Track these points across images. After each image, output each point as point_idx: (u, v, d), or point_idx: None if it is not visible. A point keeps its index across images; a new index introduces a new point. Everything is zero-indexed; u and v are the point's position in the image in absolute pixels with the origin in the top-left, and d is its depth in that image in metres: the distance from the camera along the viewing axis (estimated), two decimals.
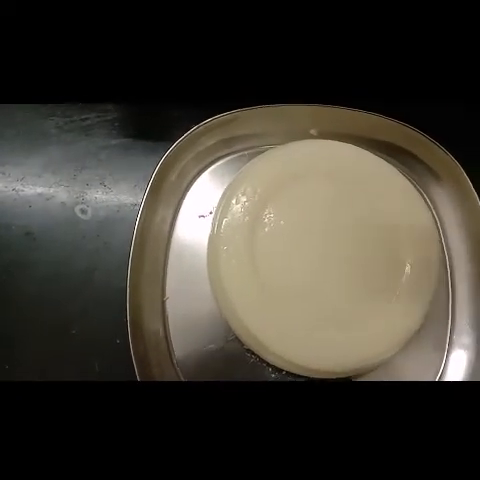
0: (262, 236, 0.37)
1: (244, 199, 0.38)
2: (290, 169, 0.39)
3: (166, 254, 0.40)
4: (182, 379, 0.36)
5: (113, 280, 0.38)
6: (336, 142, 0.41)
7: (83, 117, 0.46)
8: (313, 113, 0.42)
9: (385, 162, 0.41)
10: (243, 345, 0.37)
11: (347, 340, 0.35)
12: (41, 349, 0.38)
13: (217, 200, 0.41)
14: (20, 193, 0.42)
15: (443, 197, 0.42)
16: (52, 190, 0.43)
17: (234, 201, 0.38)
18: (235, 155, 0.43)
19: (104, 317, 0.38)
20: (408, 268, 0.37)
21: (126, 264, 0.36)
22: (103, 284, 0.39)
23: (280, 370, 0.36)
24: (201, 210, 0.41)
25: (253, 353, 0.37)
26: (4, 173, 0.43)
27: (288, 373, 0.36)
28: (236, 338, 0.37)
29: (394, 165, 0.41)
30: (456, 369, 0.37)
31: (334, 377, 0.36)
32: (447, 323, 0.38)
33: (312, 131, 0.43)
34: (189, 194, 0.42)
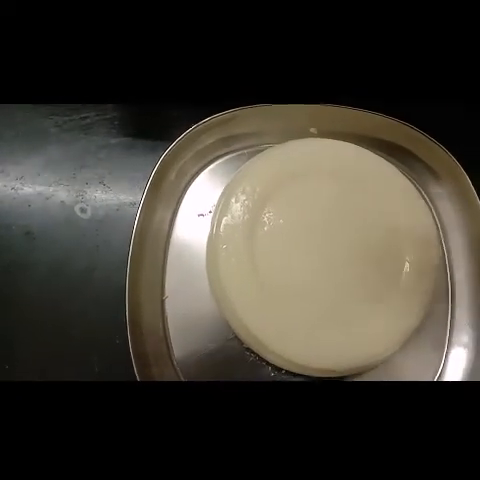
0: (261, 235, 0.37)
1: (243, 198, 0.38)
2: (289, 168, 0.39)
3: (165, 253, 0.40)
4: (182, 378, 0.36)
5: (112, 279, 0.38)
6: (336, 141, 0.41)
7: (82, 116, 0.46)
8: (313, 112, 0.42)
9: (385, 161, 0.41)
10: (242, 344, 0.37)
11: (347, 339, 0.35)
12: (41, 348, 0.38)
13: (216, 199, 0.41)
14: (19, 192, 0.42)
15: (443, 196, 0.42)
16: (51, 189, 0.43)
17: (233, 200, 0.38)
18: (234, 154, 0.43)
19: (103, 316, 0.38)
20: (407, 267, 0.37)
21: (125, 263, 0.36)
22: (102, 283, 0.39)
23: (279, 369, 0.36)
24: (200, 209, 0.41)
25: (253, 352, 0.37)
26: (3, 172, 0.43)
27: (288, 372, 0.36)
28: (235, 337, 0.37)
29: (394, 164, 0.41)
30: (455, 368, 0.37)
31: (334, 376, 0.36)
32: (446, 322, 0.39)
33: (312, 130, 0.43)
34: (188, 193, 0.42)
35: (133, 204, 0.42)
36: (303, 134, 0.43)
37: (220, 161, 0.43)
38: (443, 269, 0.40)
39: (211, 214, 0.41)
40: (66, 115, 0.45)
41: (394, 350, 0.36)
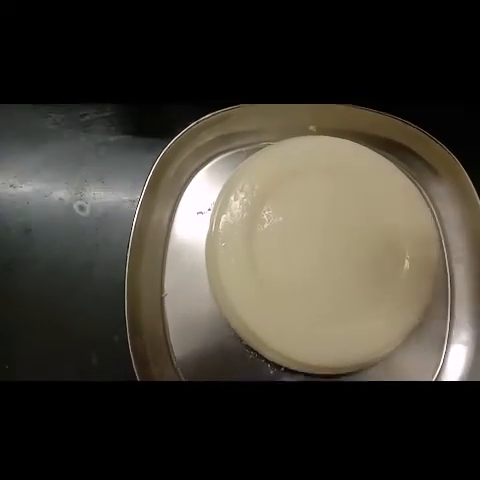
0: (261, 233, 0.37)
1: (242, 196, 0.38)
2: (288, 165, 0.39)
3: (164, 251, 0.39)
4: (181, 376, 0.36)
5: (111, 276, 0.38)
6: (335, 138, 0.41)
7: (82, 113, 0.45)
8: (312, 110, 0.42)
9: (384, 158, 0.41)
10: (242, 341, 0.37)
11: (346, 336, 0.35)
12: (39, 346, 0.38)
13: (215, 197, 0.41)
14: (18, 190, 0.42)
15: (442, 193, 0.42)
16: (50, 187, 0.43)
17: (232, 198, 0.38)
18: (233, 152, 0.43)
19: (103, 313, 0.38)
20: (407, 264, 0.37)
21: (124, 261, 0.36)
22: (101, 280, 0.39)
23: (279, 366, 0.36)
24: (199, 207, 0.41)
25: (252, 349, 0.37)
26: (2, 169, 0.43)
27: (287, 369, 0.36)
28: (235, 334, 0.37)
29: (393, 161, 0.41)
30: (455, 365, 0.37)
31: (333, 373, 0.36)
32: (446, 319, 0.39)
33: (311, 127, 0.43)
34: (187, 191, 0.42)
35: (132, 202, 0.42)
36: (302, 132, 0.43)
37: (219, 159, 0.43)
38: (442, 266, 0.40)
39: (210, 212, 0.41)
40: (65, 113, 0.45)
41: (394, 347, 0.36)
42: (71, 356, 0.37)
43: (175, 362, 0.37)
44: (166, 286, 0.39)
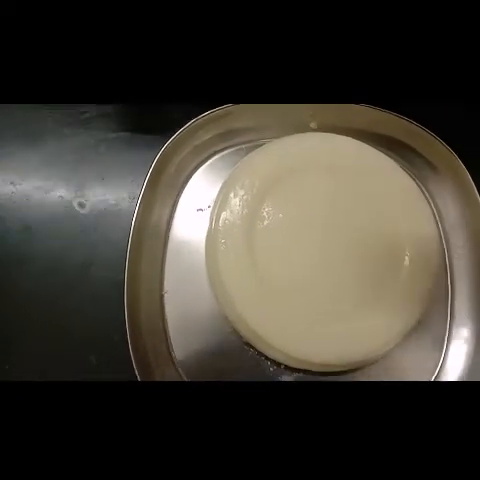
0: (260, 230, 0.37)
1: (242, 193, 0.38)
2: (288, 162, 0.39)
3: (164, 248, 0.39)
4: (181, 374, 0.36)
5: (111, 274, 0.38)
6: (335, 135, 0.41)
7: (82, 110, 0.45)
8: (312, 107, 0.42)
9: (384, 156, 0.41)
10: (242, 339, 0.37)
11: (346, 334, 0.35)
12: (38, 345, 0.38)
13: (215, 194, 0.40)
14: (18, 186, 0.42)
15: (442, 191, 0.42)
16: (50, 183, 0.42)
17: (232, 195, 0.38)
18: (233, 149, 0.43)
19: (102, 311, 0.38)
20: (407, 261, 0.37)
21: (124, 258, 0.36)
22: (101, 278, 0.39)
23: (279, 364, 0.36)
24: (199, 204, 0.41)
25: (252, 347, 0.37)
26: (2, 166, 0.43)
27: (287, 367, 0.36)
28: (235, 332, 0.37)
29: (393, 159, 0.41)
30: (455, 363, 0.37)
31: (333, 370, 0.36)
32: (446, 317, 0.39)
33: (311, 124, 0.43)
34: (187, 188, 0.42)
35: (132, 199, 0.42)
36: (303, 128, 0.43)
37: (219, 156, 0.43)
38: (443, 264, 0.40)
39: (210, 209, 0.40)
40: (65, 110, 0.45)
41: (393, 345, 0.36)
42: (70, 355, 0.37)
43: (175, 360, 0.37)
44: (166, 284, 0.39)
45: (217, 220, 0.37)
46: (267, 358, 0.36)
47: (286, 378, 0.36)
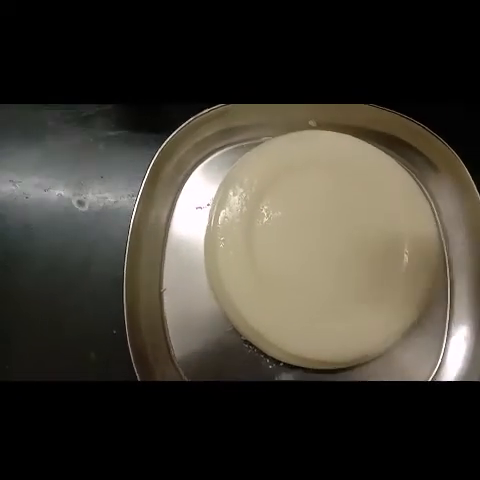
0: (260, 227, 0.37)
1: (241, 191, 0.38)
2: (288, 160, 0.39)
3: (163, 246, 0.39)
4: (180, 371, 0.36)
5: (110, 271, 0.38)
6: (334, 133, 0.41)
7: (81, 109, 0.45)
8: (312, 105, 0.42)
9: (384, 154, 0.41)
10: (241, 336, 0.37)
11: (345, 331, 0.35)
12: (37, 343, 0.38)
13: (214, 192, 0.40)
14: (17, 184, 0.42)
15: (442, 189, 0.42)
16: (49, 181, 0.42)
17: (231, 193, 0.38)
18: (232, 146, 0.43)
19: (101, 309, 0.38)
20: (406, 259, 0.37)
21: (123, 256, 0.36)
22: (100, 276, 0.39)
23: (278, 361, 0.36)
24: (198, 202, 0.41)
25: (251, 344, 0.37)
26: (1, 164, 0.43)
27: (286, 364, 0.36)
28: (234, 329, 0.37)
29: (393, 157, 0.41)
30: (455, 361, 0.37)
31: (332, 368, 0.36)
32: (446, 314, 0.38)
33: (311, 122, 0.43)
34: (186, 186, 0.42)
35: (131, 197, 0.42)
36: (303, 126, 0.43)
37: (218, 154, 0.43)
38: (442, 262, 0.40)
39: (209, 207, 0.40)
40: (64, 108, 0.45)
41: (393, 343, 0.36)
42: (70, 353, 0.37)
43: (174, 357, 0.37)
44: (165, 282, 0.39)
45: (216, 218, 0.37)
46: (266, 356, 0.36)
47: (285, 376, 0.36)
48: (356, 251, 0.37)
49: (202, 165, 0.43)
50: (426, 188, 0.43)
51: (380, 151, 0.41)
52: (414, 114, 0.41)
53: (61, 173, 0.43)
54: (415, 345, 0.37)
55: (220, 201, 0.38)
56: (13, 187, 0.42)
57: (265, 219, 0.37)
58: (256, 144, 0.42)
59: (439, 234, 0.40)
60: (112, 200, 0.42)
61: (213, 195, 0.40)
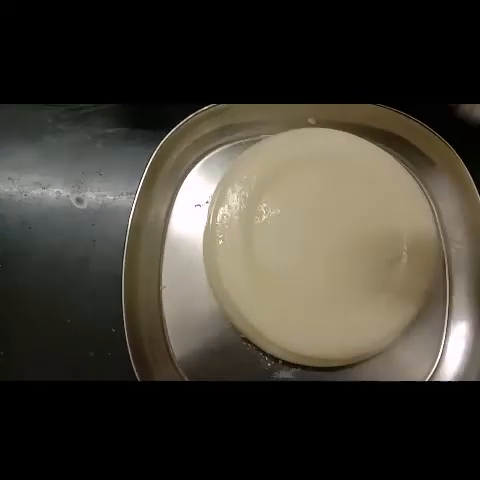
0: (258, 225, 0.37)
1: (240, 188, 0.38)
2: (286, 158, 0.39)
3: (162, 244, 0.39)
4: (179, 369, 0.36)
5: (109, 269, 0.38)
6: (333, 131, 0.41)
7: (79, 106, 0.45)
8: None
9: (383, 151, 0.41)
10: (240, 334, 0.37)
11: (344, 328, 0.35)
12: (36, 341, 0.37)
13: (213, 189, 0.40)
14: (15, 182, 0.42)
15: (441, 186, 0.42)
16: (48, 179, 0.42)
17: (230, 190, 0.38)
18: (231, 144, 0.43)
19: (100, 307, 0.38)
20: (405, 256, 0.37)
21: (122, 254, 0.36)
22: (99, 274, 0.39)
23: (277, 359, 0.36)
24: (197, 199, 0.41)
25: (249, 342, 0.37)
26: (0, 162, 0.43)
27: (285, 362, 0.36)
28: (233, 327, 0.37)
29: (392, 154, 0.41)
30: (454, 356, 0.37)
31: (331, 365, 0.36)
32: (445, 311, 0.39)
33: (310, 120, 0.43)
34: (185, 183, 0.42)
35: (130, 194, 0.42)
36: (302, 124, 0.43)
37: (217, 151, 0.43)
38: (441, 259, 0.40)
39: (208, 205, 0.40)
40: (63, 106, 0.45)
41: (392, 339, 0.36)
42: (69, 351, 0.37)
43: (173, 356, 0.37)
44: (164, 279, 0.38)
45: (215, 216, 0.37)
46: (265, 353, 0.36)
47: (284, 374, 0.36)
48: (355, 248, 0.37)
49: (201, 163, 0.42)
50: (425, 185, 0.43)
51: (379, 148, 0.41)
52: (413, 111, 0.41)
53: (59, 171, 0.43)
54: (414, 342, 0.37)
55: (219, 199, 0.38)
56: (11, 185, 0.42)
57: (264, 216, 0.37)
58: (255, 142, 0.42)
59: (437, 231, 0.40)
60: (111, 198, 0.42)
61: (212, 193, 0.40)
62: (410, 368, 0.37)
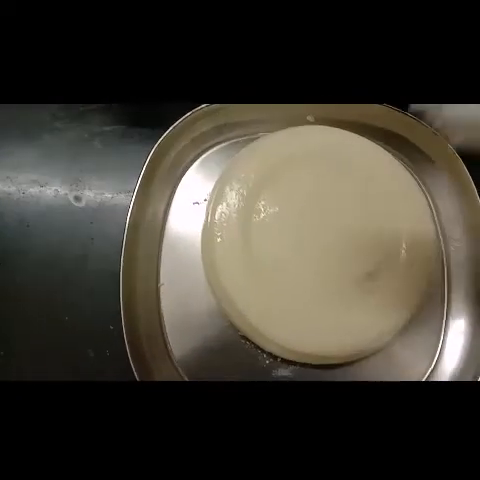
0: (256, 223, 0.37)
1: (238, 186, 0.38)
2: (285, 156, 0.39)
3: (160, 241, 0.39)
4: (177, 368, 0.36)
5: (107, 267, 0.38)
6: (332, 129, 0.41)
7: (77, 104, 0.45)
8: None
9: (382, 149, 0.41)
10: (238, 332, 0.37)
11: (343, 325, 0.35)
12: (35, 339, 0.38)
13: (211, 187, 0.40)
14: (14, 180, 0.42)
15: (439, 184, 0.42)
16: (46, 177, 0.42)
17: (228, 188, 0.38)
18: (229, 142, 0.43)
19: (98, 304, 0.38)
20: (403, 254, 0.37)
21: (120, 252, 0.36)
22: (97, 272, 0.39)
23: (275, 356, 0.36)
24: (195, 197, 0.41)
25: (248, 339, 0.37)
26: None
27: (283, 360, 0.36)
28: (231, 324, 0.37)
29: (391, 152, 0.41)
30: (452, 354, 0.37)
31: (329, 363, 0.36)
32: (443, 309, 0.39)
33: (308, 118, 0.43)
34: (183, 181, 0.42)
35: (128, 192, 0.42)
36: (300, 122, 0.42)
37: (215, 149, 0.43)
38: (439, 257, 0.40)
39: (206, 202, 0.40)
40: (60, 104, 0.45)
41: (390, 337, 0.36)
42: (67, 349, 0.37)
43: (171, 353, 0.37)
44: (162, 277, 0.38)
45: (213, 214, 0.37)
46: (263, 351, 0.36)
47: (282, 371, 0.36)
48: (353, 246, 0.37)
49: (199, 160, 0.42)
50: (423, 183, 0.43)
51: (378, 146, 0.41)
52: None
53: (57, 169, 0.43)
54: (412, 340, 0.37)
55: (217, 196, 0.38)
56: (10, 183, 0.42)
57: (262, 214, 0.37)
58: (253, 140, 0.42)
59: (436, 229, 0.40)
60: (109, 196, 0.42)
61: (210, 190, 0.40)
62: (409, 366, 0.37)
